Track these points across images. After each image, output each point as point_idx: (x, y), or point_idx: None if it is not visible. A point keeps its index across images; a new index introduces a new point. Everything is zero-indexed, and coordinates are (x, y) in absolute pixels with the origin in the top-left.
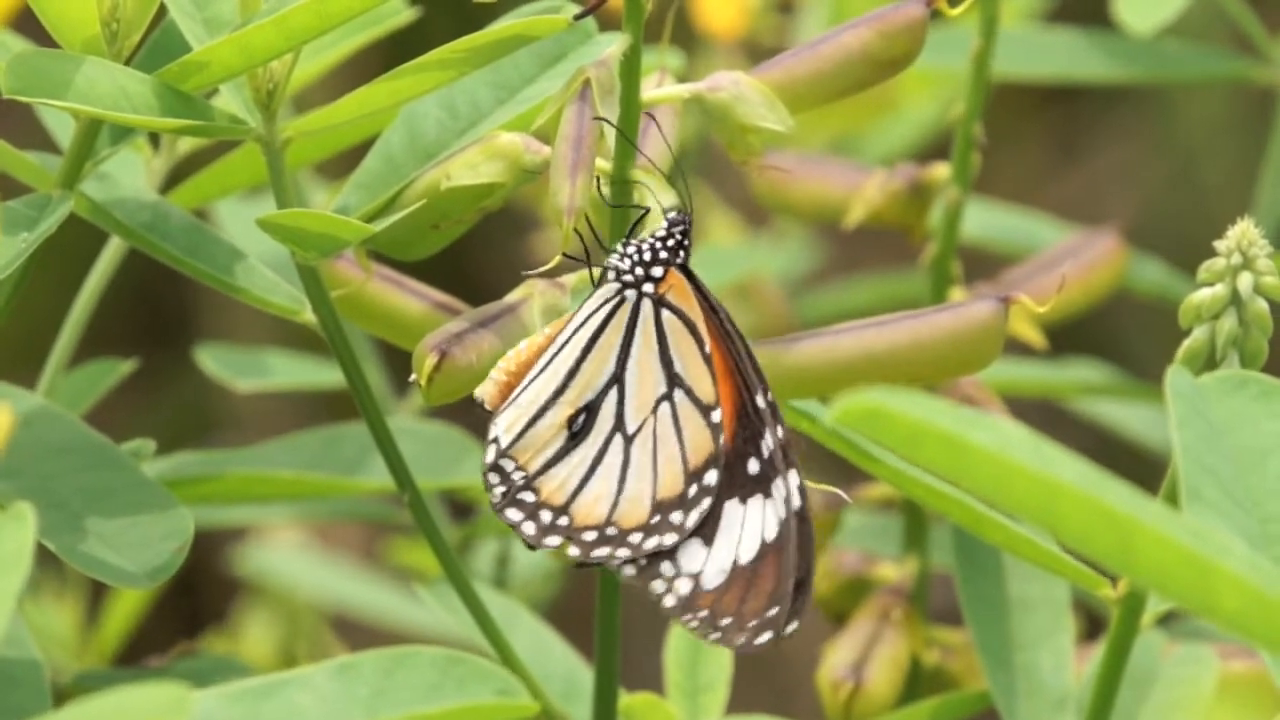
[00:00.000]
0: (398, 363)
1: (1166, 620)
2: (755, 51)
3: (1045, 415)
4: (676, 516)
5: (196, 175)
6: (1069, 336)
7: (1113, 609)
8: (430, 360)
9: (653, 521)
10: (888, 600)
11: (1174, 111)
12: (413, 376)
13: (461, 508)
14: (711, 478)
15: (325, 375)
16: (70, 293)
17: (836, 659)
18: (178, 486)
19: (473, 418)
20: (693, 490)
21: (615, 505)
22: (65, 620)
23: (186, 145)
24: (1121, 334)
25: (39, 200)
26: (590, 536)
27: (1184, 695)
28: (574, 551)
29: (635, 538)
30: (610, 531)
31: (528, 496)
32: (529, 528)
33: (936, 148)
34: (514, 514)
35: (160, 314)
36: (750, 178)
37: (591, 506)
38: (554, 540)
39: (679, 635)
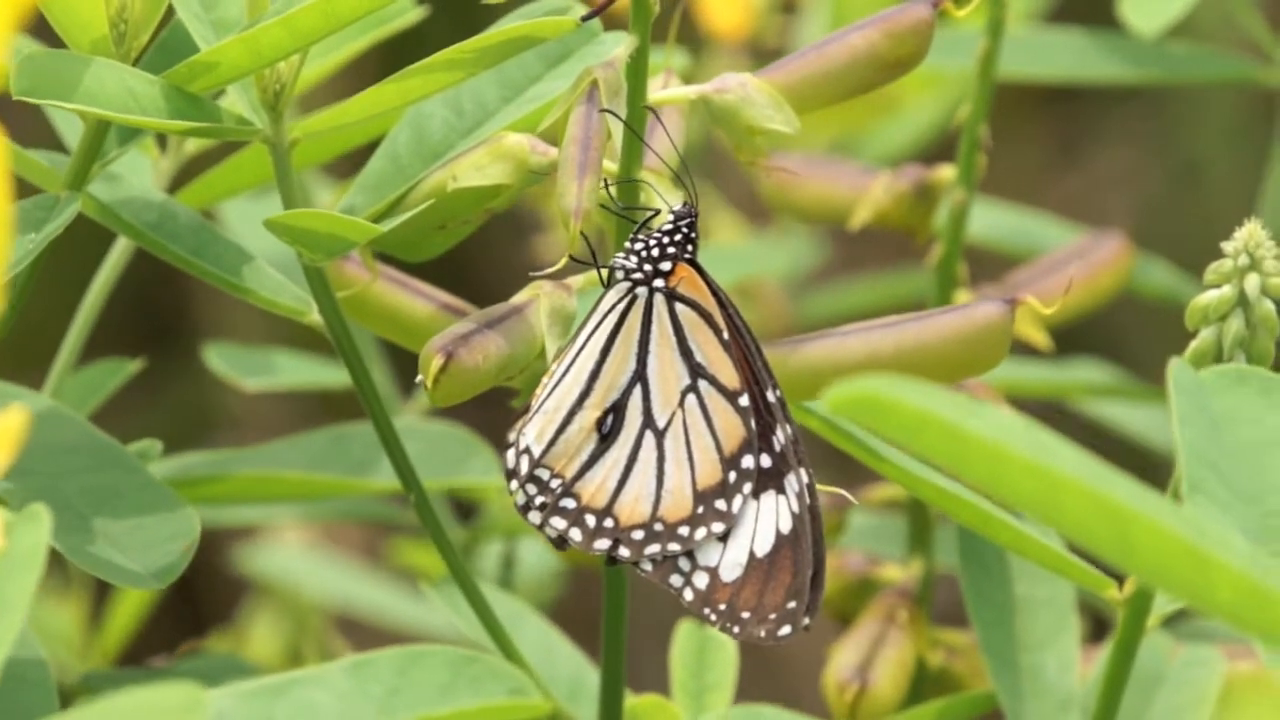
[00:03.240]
0: (403, 362)
1: (1172, 621)
2: (759, 52)
3: (1048, 416)
4: (720, 504)
5: (204, 176)
6: (1070, 337)
7: (1118, 610)
8: (436, 362)
9: (698, 512)
10: (893, 601)
11: (1174, 113)
12: (419, 378)
13: (466, 508)
14: (748, 461)
15: (331, 375)
16: (64, 291)
17: (842, 660)
18: (184, 487)
19: (478, 417)
20: (732, 476)
21: (658, 501)
22: (69, 619)
23: (194, 145)
24: (1122, 335)
25: (46, 201)
26: (639, 535)
27: (1190, 697)
28: (625, 553)
29: (683, 530)
30: (657, 527)
31: (569, 503)
32: (576, 534)
33: (937, 148)
34: (559, 522)
35: (156, 314)
36: (757, 179)
37: (634, 505)
38: (603, 543)
39: (685, 635)
